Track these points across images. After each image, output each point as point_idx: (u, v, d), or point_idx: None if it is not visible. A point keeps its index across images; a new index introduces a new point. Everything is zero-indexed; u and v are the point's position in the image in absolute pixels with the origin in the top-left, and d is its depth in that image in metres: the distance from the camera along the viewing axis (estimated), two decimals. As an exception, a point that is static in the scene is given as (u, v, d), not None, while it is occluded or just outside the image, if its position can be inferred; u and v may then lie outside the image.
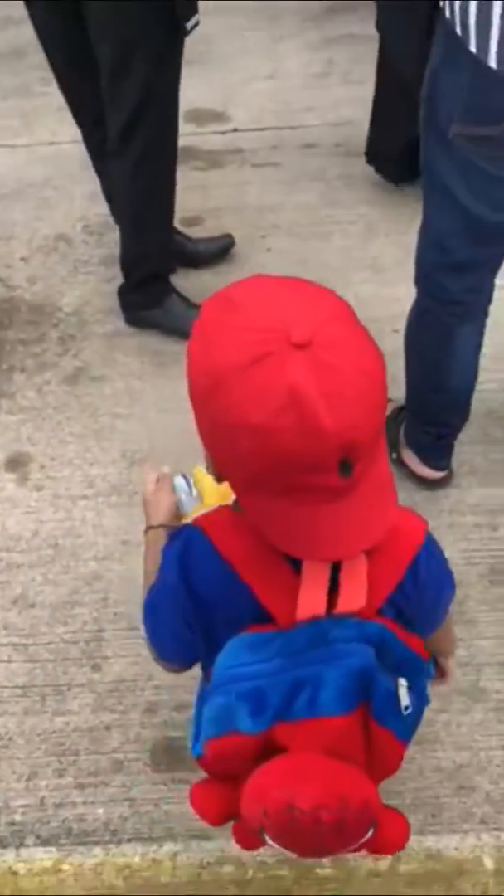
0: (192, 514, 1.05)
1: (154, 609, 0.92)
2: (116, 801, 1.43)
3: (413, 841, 1.36)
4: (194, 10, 1.66)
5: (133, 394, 2.02)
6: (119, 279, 2.20)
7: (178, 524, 1.00)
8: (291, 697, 0.80)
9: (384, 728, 0.83)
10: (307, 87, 2.84)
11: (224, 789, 0.92)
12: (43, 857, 1.38)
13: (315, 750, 0.82)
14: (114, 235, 2.38)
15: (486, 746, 1.46)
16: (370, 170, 2.51)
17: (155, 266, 2.07)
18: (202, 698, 0.92)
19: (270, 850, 1.35)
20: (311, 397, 0.64)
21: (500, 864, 1.34)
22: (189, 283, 2.18)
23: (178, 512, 1.07)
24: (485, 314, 1.50)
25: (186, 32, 1.67)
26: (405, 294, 2.14)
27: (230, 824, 0.98)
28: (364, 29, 3.04)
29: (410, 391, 1.66)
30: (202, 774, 1.45)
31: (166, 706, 1.52)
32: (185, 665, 0.98)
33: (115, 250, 2.34)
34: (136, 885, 1.34)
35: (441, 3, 1.14)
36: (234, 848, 1.36)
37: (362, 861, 1.35)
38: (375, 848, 0.91)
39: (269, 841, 0.88)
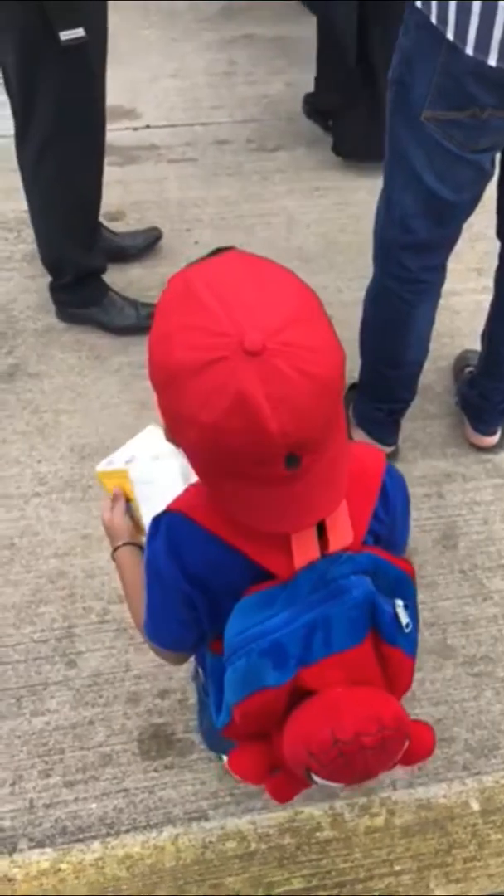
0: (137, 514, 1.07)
1: (155, 607, 0.92)
2: (109, 794, 1.41)
3: (404, 794, 1.43)
4: (74, 23, 1.56)
5: (75, 388, 1.98)
6: (45, 275, 2.16)
7: (141, 540, 1.01)
8: (308, 641, 0.82)
9: (395, 647, 0.87)
10: (212, 86, 2.88)
11: (258, 747, 0.93)
12: (39, 859, 1.33)
13: (340, 684, 0.85)
14: (32, 231, 2.33)
15: (460, 699, 1.54)
16: (284, 165, 2.59)
17: (85, 266, 2.02)
18: (214, 672, 0.93)
19: (271, 819, 1.38)
20: (257, 402, 0.67)
21: (485, 805, 1.42)
22: (118, 278, 2.16)
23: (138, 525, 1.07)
24: (440, 291, 1.59)
25: (61, 42, 1.57)
26: (332, 282, 2.25)
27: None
28: (261, 31, 3.15)
29: (366, 368, 1.72)
30: (193, 757, 1.47)
31: (149, 694, 1.51)
32: (194, 649, 0.99)
33: (35, 246, 2.29)
34: (141, 874, 1.32)
35: None
36: (233, 824, 1.39)
37: (359, 819, 1.40)
38: (409, 759, 0.93)
39: (315, 780, 0.90)
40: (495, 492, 1.85)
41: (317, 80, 2.61)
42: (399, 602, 0.86)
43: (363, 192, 2.49)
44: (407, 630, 0.87)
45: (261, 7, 3.23)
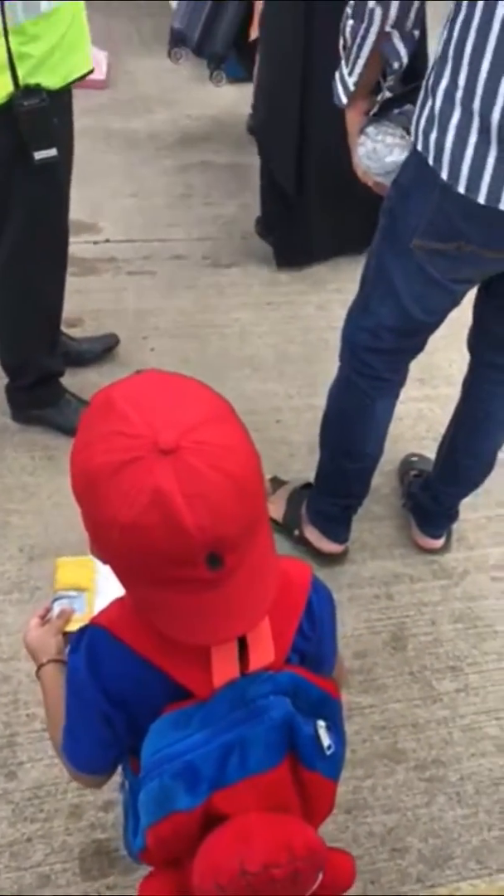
0: (89, 605, 1.08)
1: (73, 724, 0.91)
2: (46, 919, 1.33)
3: (357, 911, 1.37)
4: (48, 145, 1.66)
5: (26, 488, 1.98)
6: (1, 376, 2.20)
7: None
8: (223, 764, 0.81)
9: (313, 772, 0.86)
10: (170, 207, 3.05)
11: (171, 876, 0.90)
12: None
13: (253, 809, 0.83)
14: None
15: (413, 805, 1.51)
16: (238, 280, 2.73)
17: (46, 369, 2.08)
18: (133, 793, 0.91)
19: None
20: (173, 498, 0.70)
21: (440, 921, 1.37)
22: (75, 381, 2.21)
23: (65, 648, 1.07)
24: (399, 391, 1.69)
25: (35, 162, 1.67)
26: (283, 389, 2.34)
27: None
28: (216, 158, 3.38)
29: (325, 461, 1.79)
30: (136, 876, 1.39)
31: (92, 807, 1.45)
32: (111, 770, 0.97)
33: (-9, 348, 2.34)
34: None
35: (412, 139, 1.33)
36: None
37: (310, 940, 1.33)
38: (327, 891, 0.91)
39: None
40: (442, 592, 1.88)
41: (261, 202, 2.80)
42: (321, 723, 0.86)
43: (311, 307, 2.63)
44: (328, 752, 0.86)
45: (216, 137, 3.48)
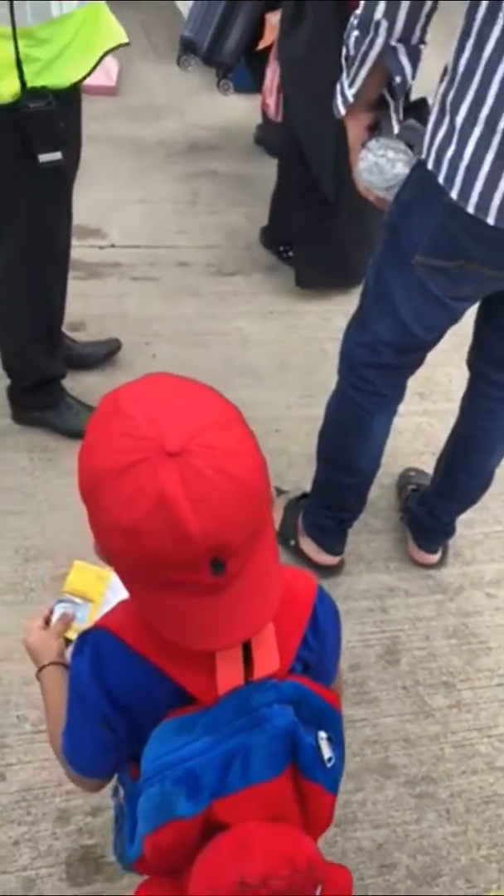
0: (90, 617, 1.08)
1: (74, 726, 0.90)
2: (30, 924, 1.31)
3: (343, 926, 1.36)
4: (53, 148, 1.66)
5: (24, 489, 1.98)
6: (2, 377, 2.19)
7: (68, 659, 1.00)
8: (224, 771, 0.80)
9: (314, 783, 0.86)
10: (177, 214, 3.06)
11: (169, 884, 0.90)
12: None
13: (253, 818, 0.83)
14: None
15: (402, 821, 1.51)
16: (241, 289, 2.73)
17: (47, 371, 2.08)
18: (131, 799, 0.90)
19: None
20: (177, 502, 0.69)
21: (427, 938, 1.37)
22: (76, 384, 2.21)
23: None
24: (397, 407, 1.69)
25: (39, 165, 1.67)
26: (282, 399, 2.35)
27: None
28: (223, 167, 3.39)
29: (321, 473, 1.78)
30: (123, 884, 1.38)
31: (80, 811, 1.44)
32: (111, 775, 0.96)
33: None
34: None
35: (422, 155, 1.31)
36: None
37: None
38: None
39: None
40: (437, 608, 1.88)
41: (271, 213, 2.80)
42: (322, 734, 0.85)
43: (312, 317, 2.64)
44: (329, 764, 0.85)
45: (223, 148, 3.49)
